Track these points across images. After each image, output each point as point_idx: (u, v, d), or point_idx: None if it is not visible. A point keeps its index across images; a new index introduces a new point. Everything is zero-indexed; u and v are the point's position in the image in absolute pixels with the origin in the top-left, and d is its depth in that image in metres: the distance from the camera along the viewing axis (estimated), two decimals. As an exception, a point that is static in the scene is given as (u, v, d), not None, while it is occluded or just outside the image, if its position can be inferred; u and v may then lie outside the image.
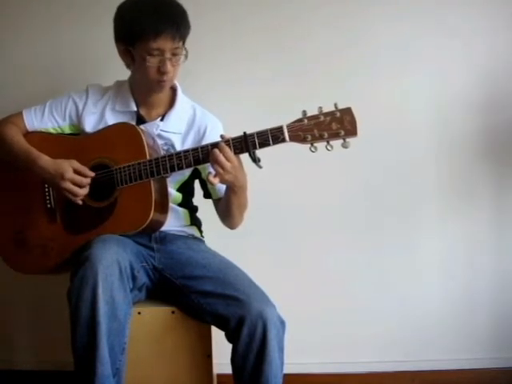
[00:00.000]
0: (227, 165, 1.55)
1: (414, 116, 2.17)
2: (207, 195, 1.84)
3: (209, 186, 1.81)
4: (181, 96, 1.80)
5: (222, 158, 1.55)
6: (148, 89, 1.73)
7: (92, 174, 1.66)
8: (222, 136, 1.59)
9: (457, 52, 2.15)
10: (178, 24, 1.62)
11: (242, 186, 1.64)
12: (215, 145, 1.58)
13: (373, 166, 2.17)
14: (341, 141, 1.51)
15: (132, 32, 1.62)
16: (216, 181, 1.57)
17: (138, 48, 1.63)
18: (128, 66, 1.72)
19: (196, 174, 1.81)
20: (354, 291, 2.20)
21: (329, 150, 1.51)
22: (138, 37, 1.61)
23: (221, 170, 1.56)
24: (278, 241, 2.19)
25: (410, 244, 2.20)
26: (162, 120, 1.76)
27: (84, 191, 1.65)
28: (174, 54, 1.64)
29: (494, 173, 2.18)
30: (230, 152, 1.55)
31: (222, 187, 1.74)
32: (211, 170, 1.60)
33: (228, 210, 1.73)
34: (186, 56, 1.67)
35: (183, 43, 1.66)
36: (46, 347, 2.24)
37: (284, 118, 1.53)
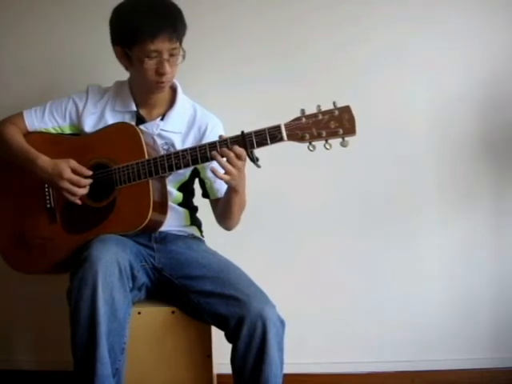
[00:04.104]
0: (238, 163, 1.55)
1: (413, 116, 2.17)
2: (205, 195, 1.84)
3: (207, 185, 1.81)
4: (181, 95, 1.79)
5: (233, 155, 1.54)
6: (147, 90, 1.72)
7: (90, 173, 1.66)
8: (220, 136, 1.58)
9: (456, 52, 2.15)
10: (174, 24, 1.61)
11: (244, 184, 1.64)
12: (213, 144, 1.57)
13: (373, 165, 2.17)
14: (339, 139, 1.50)
15: (129, 35, 1.61)
16: (226, 178, 1.56)
17: (136, 50, 1.62)
18: (126, 68, 1.72)
19: (196, 174, 1.82)
20: (353, 291, 2.20)
21: (327, 148, 1.50)
22: (135, 40, 1.60)
23: (233, 169, 1.54)
24: (278, 241, 2.19)
25: (410, 244, 2.20)
26: (162, 120, 1.76)
27: (82, 191, 1.65)
28: (171, 55, 1.64)
29: (493, 173, 2.18)
30: (243, 152, 1.54)
31: (221, 188, 1.74)
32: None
33: (228, 211, 1.72)
34: (184, 56, 1.67)
35: (180, 43, 1.65)
36: (46, 347, 2.24)
37: (284, 119, 1.53)
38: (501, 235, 2.19)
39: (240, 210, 1.74)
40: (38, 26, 2.19)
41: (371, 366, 2.20)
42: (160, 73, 1.64)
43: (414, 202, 2.20)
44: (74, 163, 1.65)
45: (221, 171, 1.56)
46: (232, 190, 1.64)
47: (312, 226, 2.19)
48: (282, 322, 1.56)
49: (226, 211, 1.74)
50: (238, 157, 1.54)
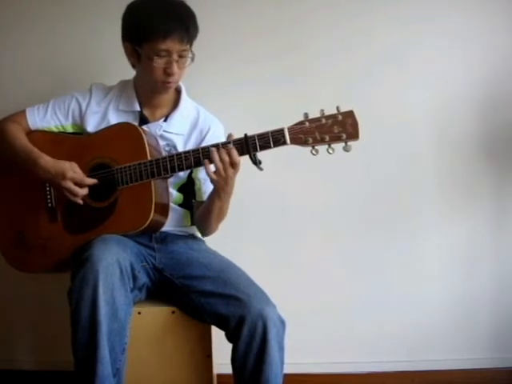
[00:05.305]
0: (229, 171, 1.56)
1: (414, 116, 2.16)
2: (193, 195, 1.84)
3: (196, 186, 1.81)
4: (185, 97, 1.80)
5: (228, 160, 1.55)
6: (153, 89, 1.72)
7: (90, 182, 1.65)
8: (229, 135, 1.59)
9: (456, 52, 2.15)
10: (187, 26, 1.62)
11: (229, 193, 1.65)
12: (216, 146, 1.58)
13: (373, 166, 2.17)
14: (342, 144, 1.50)
15: (140, 32, 1.62)
16: (213, 176, 1.57)
17: (146, 48, 1.62)
18: (134, 65, 1.72)
19: (190, 173, 1.81)
20: (353, 291, 2.19)
21: (330, 153, 1.51)
22: (147, 37, 1.60)
23: (222, 172, 1.56)
24: (278, 241, 2.18)
25: (410, 244, 2.20)
26: (165, 121, 1.76)
27: (84, 191, 1.65)
28: (180, 56, 1.64)
29: (493, 173, 2.18)
30: (239, 162, 1.56)
31: (208, 192, 1.74)
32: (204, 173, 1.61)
33: (207, 215, 1.72)
34: (193, 59, 1.67)
35: (191, 46, 1.66)
36: (46, 347, 2.23)
37: (286, 120, 1.54)
38: (501, 235, 2.19)
39: (218, 219, 1.74)
40: (37, 26, 2.18)
41: (371, 366, 2.20)
42: (168, 73, 1.64)
43: (414, 202, 2.20)
44: (74, 166, 1.65)
45: (212, 169, 1.58)
46: (215, 194, 1.65)
47: (312, 226, 2.18)
48: (283, 322, 1.56)
49: (204, 215, 1.74)
50: (232, 164, 1.56)
